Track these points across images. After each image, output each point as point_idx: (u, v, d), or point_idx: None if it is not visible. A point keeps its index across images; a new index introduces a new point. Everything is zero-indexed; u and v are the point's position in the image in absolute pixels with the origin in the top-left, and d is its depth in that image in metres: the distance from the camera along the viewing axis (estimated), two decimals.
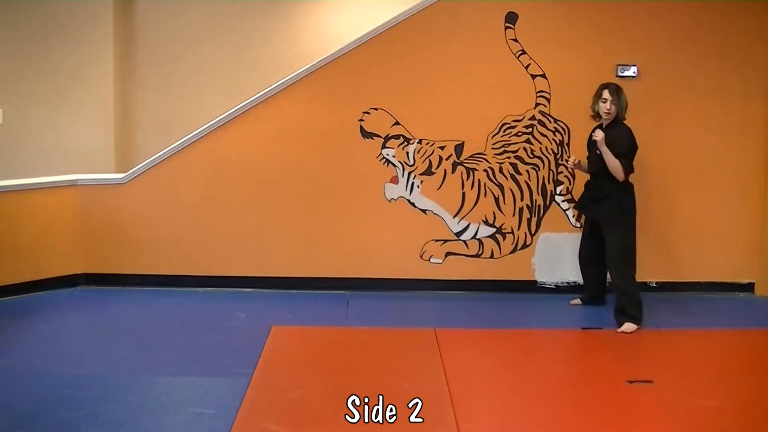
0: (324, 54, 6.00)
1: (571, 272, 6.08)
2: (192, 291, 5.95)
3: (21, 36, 7.37)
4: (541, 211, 6.06)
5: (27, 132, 7.44)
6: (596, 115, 5.21)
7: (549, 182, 6.04)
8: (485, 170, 6.02)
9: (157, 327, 5.11)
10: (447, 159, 6.00)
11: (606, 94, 5.09)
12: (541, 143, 6.00)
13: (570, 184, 6.04)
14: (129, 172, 6.06)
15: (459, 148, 5.99)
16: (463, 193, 6.03)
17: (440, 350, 4.55)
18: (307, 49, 7.51)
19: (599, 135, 5.04)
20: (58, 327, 5.05)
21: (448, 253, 6.07)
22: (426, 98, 5.96)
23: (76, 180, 5.97)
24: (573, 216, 6.06)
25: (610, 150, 4.99)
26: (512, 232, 6.07)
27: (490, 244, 6.07)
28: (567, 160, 5.48)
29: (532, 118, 5.99)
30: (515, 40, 5.92)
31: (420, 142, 5.98)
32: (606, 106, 5.08)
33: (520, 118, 5.99)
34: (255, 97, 5.94)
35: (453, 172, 6.01)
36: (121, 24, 7.63)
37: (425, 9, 5.88)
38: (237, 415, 3.57)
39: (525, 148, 6.01)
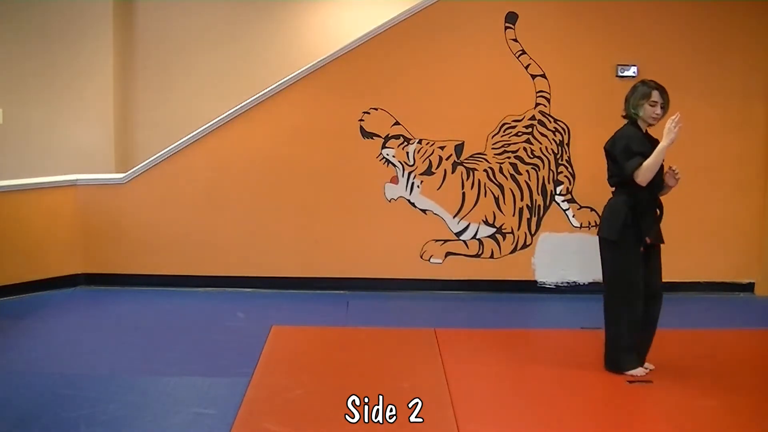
0: (324, 54, 6.00)
1: (571, 272, 6.08)
2: (192, 291, 5.95)
3: (21, 36, 7.37)
4: (541, 211, 6.07)
5: (27, 132, 7.44)
6: (632, 120, 4.21)
7: (549, 182, 6.04)
8: (485, 170, 6.02)
9: (157, 327, 5.11)
10: (447, 159, 6.00)
11: (656, 95, 4.11)
12: (541, 143, 6.01)
13: (570, 184, 6.05)
14: (129, 172, 6.06)
15: (459, 148, 5.99)
16: (463, 193, 6.03)
17: (440, 350, 4.55)
18: (307, 49, 7.51)
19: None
20: (58, 327, 5.05)
21: (448, 253, 6.07)
22: (426, 98, 5.96)
23: (76, 180, 5.97)
24: (573, 216, 6.07)
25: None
26: (512, 232, 6.07)
27: (490, 244, 6.07)
28: (675, 172, 4.18)
29: (532, 118, 5.99)
30: (515, 40, 5.92)
31: (420, 142, 5.98)
32: (656, 111, 4.12)
33: (520, 118, 5.99)
34: (255, 97, 5.94)
35: (453, 172, 6.01)
36: (121, 24, 7.63)
37: (425, 9, 5.88)
38: (237, 415, 3.57)
39: (525, 148, 6.01)
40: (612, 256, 4.23)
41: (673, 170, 4.14)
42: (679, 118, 4.01)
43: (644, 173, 4.02)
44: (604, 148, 4.24)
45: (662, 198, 4.28)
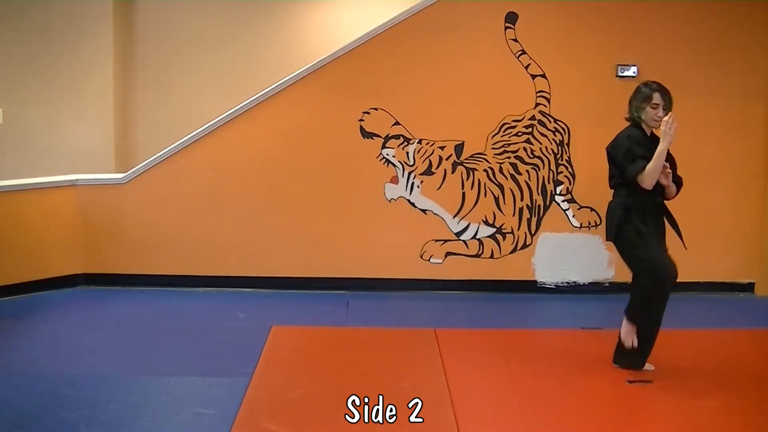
0: (324, 54, 6.00)
1: (571, 272, 6.08)
2: (192, 291, 5.95)
3: (21, 36, 7.37)
4: (541, 211, 6.07)
5: (27, 132, 7.44)
6: (635, 122, 4.20)
7: (549, 182, 6.04)
8: (485, 170, 6.02)
9: (157, 327, 5.11)
10: (447, 159, 6.00)
11: (657, 98, 4.10)
12: (541, 143, 6.00)
13: (570, 184, 6.04)
14: (129, 172, 6.06)
15: (459, 148, 5.99)
16: (463, 193, 6.03)
17: (440, 350, 4.55)
18: (307, 49, 7.51)
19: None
20: (58, 327, 5.05)
21: (448, 253, 6.07)
22: (426, 98, 5.96)
23: (76, 180, 5.97)
24: (573, 216, 6.07)
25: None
26: (512, 232, 6.07)
27: (490, 244, 6.07)
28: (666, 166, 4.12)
29: (532, 118, 5.99)
30: (515, 40, 5.92)
31: (420, 142, 5.98)
32: (658, 113, 4.09)
33: (520, 118, 5.99)
34: (255, 97, 5.94)
35: (453, 172, 6.01)
36: (121, 24, 7.63)
37: (425, 9, 5.88)
38: (237, 415, 3.57)
39: (525, 148, 6.01)
40: (623, 254, 4.22)
41: (665, 168, 4.08)
42: (673, 119, 3.97)
43: (648, 177, 4.00)
44: (606, 149, 4.24)
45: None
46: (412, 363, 4.36)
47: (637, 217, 4.10)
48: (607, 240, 4.28)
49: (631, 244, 4.13)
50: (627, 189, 4.13)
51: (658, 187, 4.13)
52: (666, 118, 3.99)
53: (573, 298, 5.96)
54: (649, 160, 4.00)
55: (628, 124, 4.23)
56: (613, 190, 4.28)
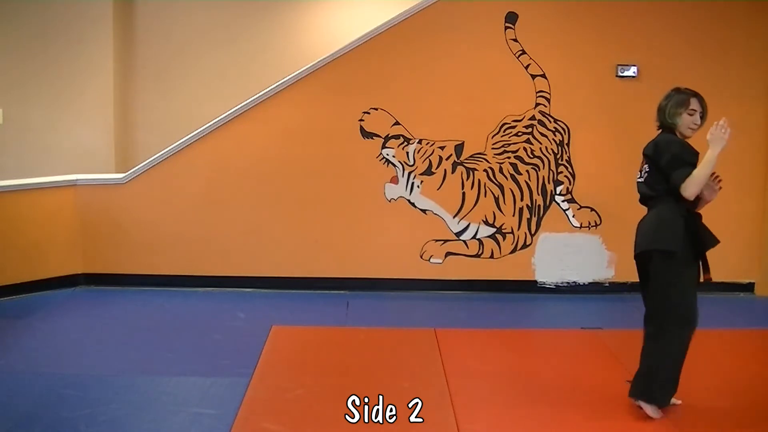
0: (324, 54, 6.00)
1: (570, 272, 6.08)
2: (192, 291, 5.95)
3: (22, 36, 7.38)
4: (541, 211, 6.07)
5: (27, 132, 7.44)
6: (669, 130, 3.74)
7: (549, 182, 6.04)
8: (485, 170, 6.02)
9: (157, 327, 5.11)
10: (447, 159, 6.00)
11: (695, 103, 3.71)
12: (541, 143, 6.01)
13: (570, 184, 6.05)
14: (129, 172, 6.06)
15: (459, 148, 5.99)
16: (463, 193, 6.03)
17: (440, 350, 4.55)
18: (307, 49, 7.51)
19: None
20: (58, 327, 5.05)
21: (448, 253, 6.07)
22: (426, 98, 5.96)
23: (76, 180, 5.97)
24: (573, 216, 6.07)
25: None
26: (512, 232, 6.07)
27: (490, 244, 6.07)
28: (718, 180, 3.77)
29: (532, 118, 5.99)
30: (515, 40, 5.92)
31: (420, 142, 5.98)
32: (696, 120, 3.70)
33: (520, 118, 5.99)
34: (255, 97, 5.94)
35: (453, 172, 6.01)
36: (121, 24, 7.63)
37: (425, 9, 5.88)
38: (237, 415, 3.57)
39: (525, 148, 6.01)
40: (667, 272, 3.70)
41: (716, 180, 3.69)
42: (726, 123, 3.52)
43: (693, 186, 3.52)
44: (646, 154, 3.72)
45: None
46: (412, 363, 4.36)
47: (695, 229, 3.62)
48: (654, 247, 3.66)
49: (681, 281, 3.65)
50: (666, 201, 3.65)
51: (695, 199, 3.69)
52: (721, 122, 3.54)
53: (573, 298, 5.96)
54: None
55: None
56: (649, 201, 3.76)
